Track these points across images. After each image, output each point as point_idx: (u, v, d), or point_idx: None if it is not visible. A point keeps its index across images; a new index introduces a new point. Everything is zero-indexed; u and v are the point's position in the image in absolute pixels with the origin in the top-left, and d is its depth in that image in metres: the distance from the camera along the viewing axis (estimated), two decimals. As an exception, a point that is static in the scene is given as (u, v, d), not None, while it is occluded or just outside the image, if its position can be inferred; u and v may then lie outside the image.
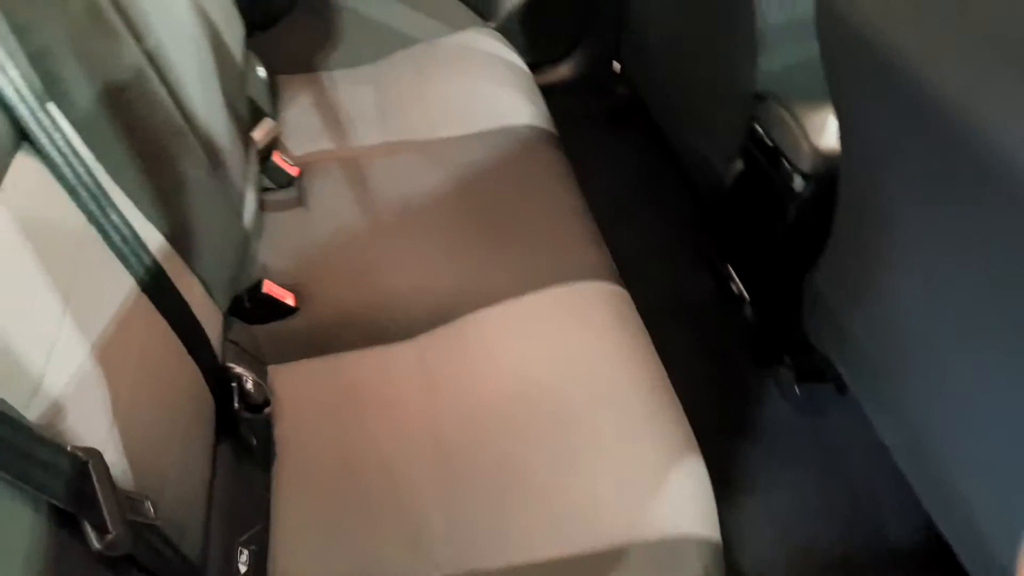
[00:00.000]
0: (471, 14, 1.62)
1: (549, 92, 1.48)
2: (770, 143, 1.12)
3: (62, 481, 0.50)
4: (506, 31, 1.71)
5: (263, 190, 1.20)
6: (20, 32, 0.67)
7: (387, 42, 1.51)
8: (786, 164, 1.08)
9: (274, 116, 1.35)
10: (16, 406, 0.55)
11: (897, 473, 0.96)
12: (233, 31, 1.30)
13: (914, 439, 0.92)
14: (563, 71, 1.84)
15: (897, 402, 0.94)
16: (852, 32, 0.78)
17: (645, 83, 1.63)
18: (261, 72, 1.40)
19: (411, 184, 1.21)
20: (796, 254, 1.09)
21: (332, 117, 1.37)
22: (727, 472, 1.23)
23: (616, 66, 1.76)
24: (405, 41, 1.50)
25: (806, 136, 1.05)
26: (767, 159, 1.13)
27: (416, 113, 1.34)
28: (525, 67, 1.49)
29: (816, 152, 1.05)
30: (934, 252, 0.80)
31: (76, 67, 0.74)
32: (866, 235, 0.94)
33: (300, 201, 1.20)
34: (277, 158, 1.22)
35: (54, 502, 0.49)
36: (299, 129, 1.35)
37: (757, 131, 1.14)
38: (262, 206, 1.17)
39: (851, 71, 0.83)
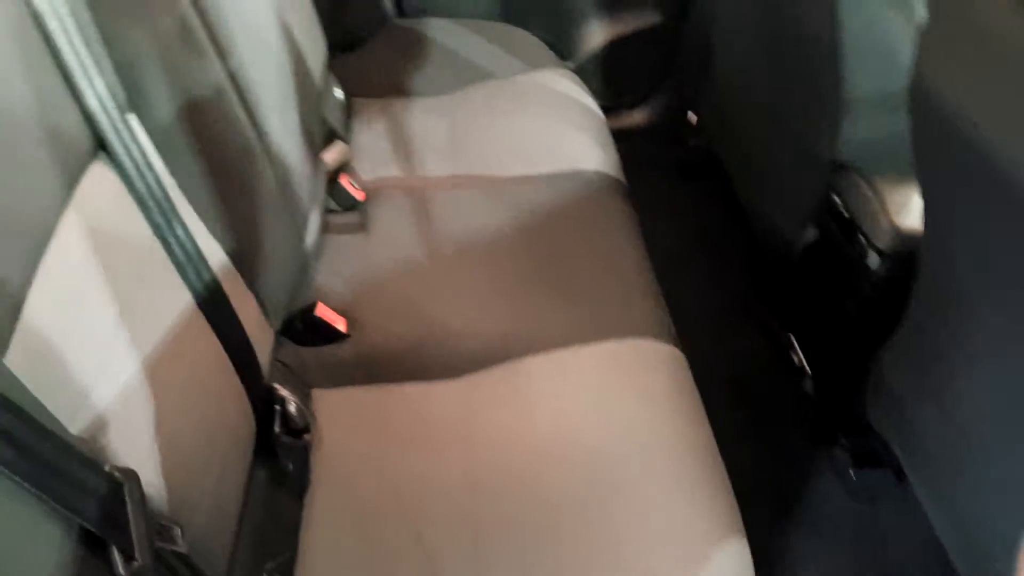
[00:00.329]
0: (549, 53, 1.62)
1: (621, 137, 1.47)
2: (847, 215, 1.08)
3: (95, 502, 0.50)
4: (583, 72, 1.71)
5: (327, 211, 1.20)
6: (109, 42, 0.69)
7: (464, 74, 1.51)
8: (862, 239, 1.04)
9: (347, 139, 1.37)
10: (61, 417, 0.54)
11: (947, 571, 0.90)
12: (315, 52, 1.32)
13: (973, 538, 0.87)
14: (637, 117, 1.83)
15: (958, 497, 0.89)
16: (946, 110, 0.75)
17: (721, 137, 1.60)
18: (338, 94, 1.41)
19: (474, 220, 1.21)
20: (864, 333, 1.04)
21: (403, 144, 1.37)
22: (770, 552, 1.17)
23: (692, 117, 1.73)
24: (482, 74, 1.50)
25: (886, 212, 1.01)
26: (842, 231, 1.09)
27: (487, 148, 1.33)
28: (599, 111, 1.48)
29: (895, 230, 1.00)
30: (1013, 349, 0.75)
31: (160, 81, 0.75)
32: (941, 323, 0.89)
33: (363, 226, 1.21)
34: (345, 181, 1.23)
35: (85, 524, 0.49)
36: (369, 153, 1.35)
37: (834, 201, 1.10)
38: (325, 227, 1.17)
39: (941, 151, 0.80)
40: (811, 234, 1.20)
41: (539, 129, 1.37)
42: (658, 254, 1.20)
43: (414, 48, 1.59)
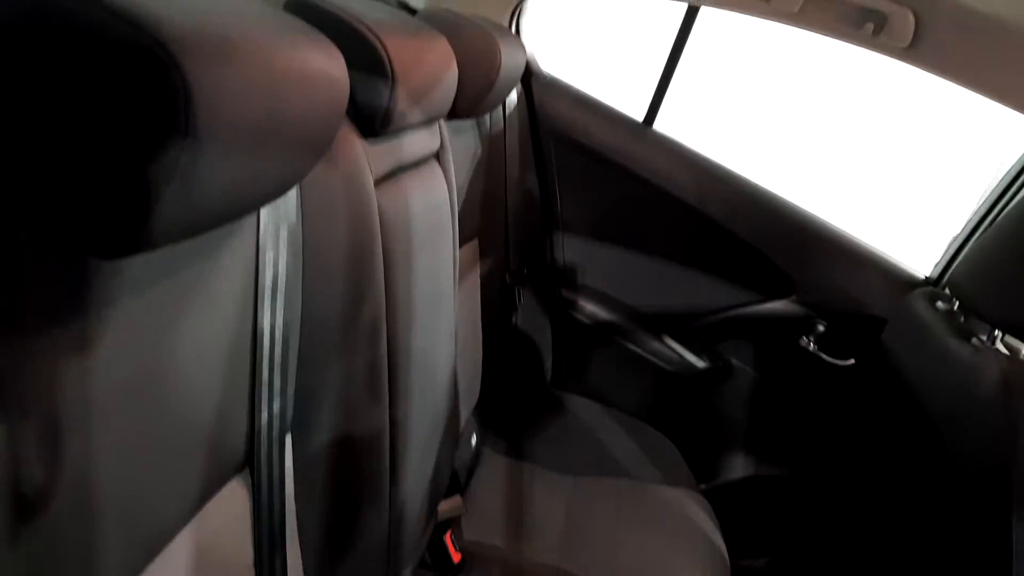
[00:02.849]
0: (685, 467, 1.58)
1: (739, 571, 1.35)
2: None
3: None
4: (714, 494, 1.64)
5: (418, 565, 1.13)
6: (303, 368, 0.70)
7: (597, 462, 1.49)
8: None
9: (465, 487, 1.33)
10: None
11: None
12: (468, 401, 1.35)
13: None
14: (759, 562, 1.69)
15: None
16: None
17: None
18: (473, 440, 1.41)
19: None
20: None
21: (516, 515, 1.32)
22: None
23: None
24: (615, 470, 1.47)
25: None
26: None
27: (598, 555, 1.24)
28: (724, 548, 1.38)
29: None
30: None
31: (328, 412, 0.75)
32: None
33: (445, 595, 1.12)
34: (448, 539, 1.16)
35: None
36: (481, 511, 1.30)
37: None
38: (408, 585, 1.09)
39: None
40: None
41: (655, 556, 1.27)
42: None
43: (558, 420, 1.59)
